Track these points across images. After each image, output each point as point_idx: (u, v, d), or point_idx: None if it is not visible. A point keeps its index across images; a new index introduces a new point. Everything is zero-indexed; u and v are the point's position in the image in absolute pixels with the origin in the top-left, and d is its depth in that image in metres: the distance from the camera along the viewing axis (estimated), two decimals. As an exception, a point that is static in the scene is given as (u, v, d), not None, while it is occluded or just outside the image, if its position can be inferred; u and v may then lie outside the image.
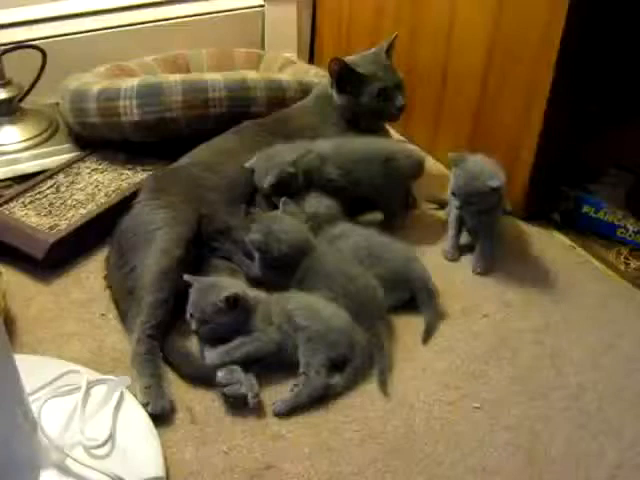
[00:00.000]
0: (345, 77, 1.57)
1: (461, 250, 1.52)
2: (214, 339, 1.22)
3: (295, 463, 1.09)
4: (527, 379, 1.24)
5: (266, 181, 1.44)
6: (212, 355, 1.19)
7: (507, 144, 1.57)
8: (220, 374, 1.17)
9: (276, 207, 1.42)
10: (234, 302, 1.20)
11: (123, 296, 1.31)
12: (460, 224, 1.51)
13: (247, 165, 1.48)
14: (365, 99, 1.57)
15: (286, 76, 1.75)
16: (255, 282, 1.35)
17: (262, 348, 1.20)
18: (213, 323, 1.21)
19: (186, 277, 1.25)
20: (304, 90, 1.70)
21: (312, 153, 1.48)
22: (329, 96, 1.61)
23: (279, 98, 1.67)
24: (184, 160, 1.54)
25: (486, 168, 1.41)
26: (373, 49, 1.62)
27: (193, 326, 1.22)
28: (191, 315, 1.22)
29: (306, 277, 1.32)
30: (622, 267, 1.50)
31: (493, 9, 1.55)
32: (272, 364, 1.21)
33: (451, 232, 1.51)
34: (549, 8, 1.41)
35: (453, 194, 1.42)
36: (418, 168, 1.56)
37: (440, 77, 1.73)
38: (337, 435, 1.13)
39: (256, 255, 1.35)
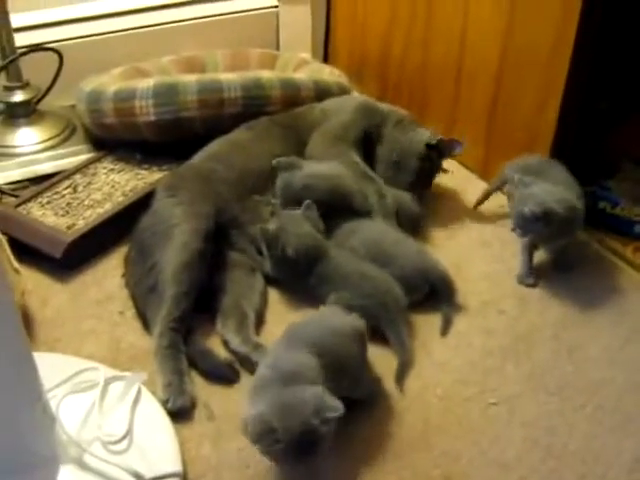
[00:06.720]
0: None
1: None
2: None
3: (311, 459, 1.09)
4: (544, 374, 1.24)
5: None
6: None
7: (522, 141, 1.56)
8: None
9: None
10: None
11: (142, 294, 1.32)
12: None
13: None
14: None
15: (301, 75, 1.76)
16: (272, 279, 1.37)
17: None
18: None
19: None
20: (319, 89, 1.71)
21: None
22: (373, 115, 1.63)
23: (294, 97, 1.67)
24: (198, 156, 1.55)
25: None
26: None
27: None
28: None
29: (321, 283, 1.32)
30: (639, 263, 1.49)
31: (507, 8, 1.54)
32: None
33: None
34: (563, 5, 1.41)
35: None
36: None
37: (454, 76, 1.73)
38: (354, 432, 1.13)
39: (264, 249, 1.35)
